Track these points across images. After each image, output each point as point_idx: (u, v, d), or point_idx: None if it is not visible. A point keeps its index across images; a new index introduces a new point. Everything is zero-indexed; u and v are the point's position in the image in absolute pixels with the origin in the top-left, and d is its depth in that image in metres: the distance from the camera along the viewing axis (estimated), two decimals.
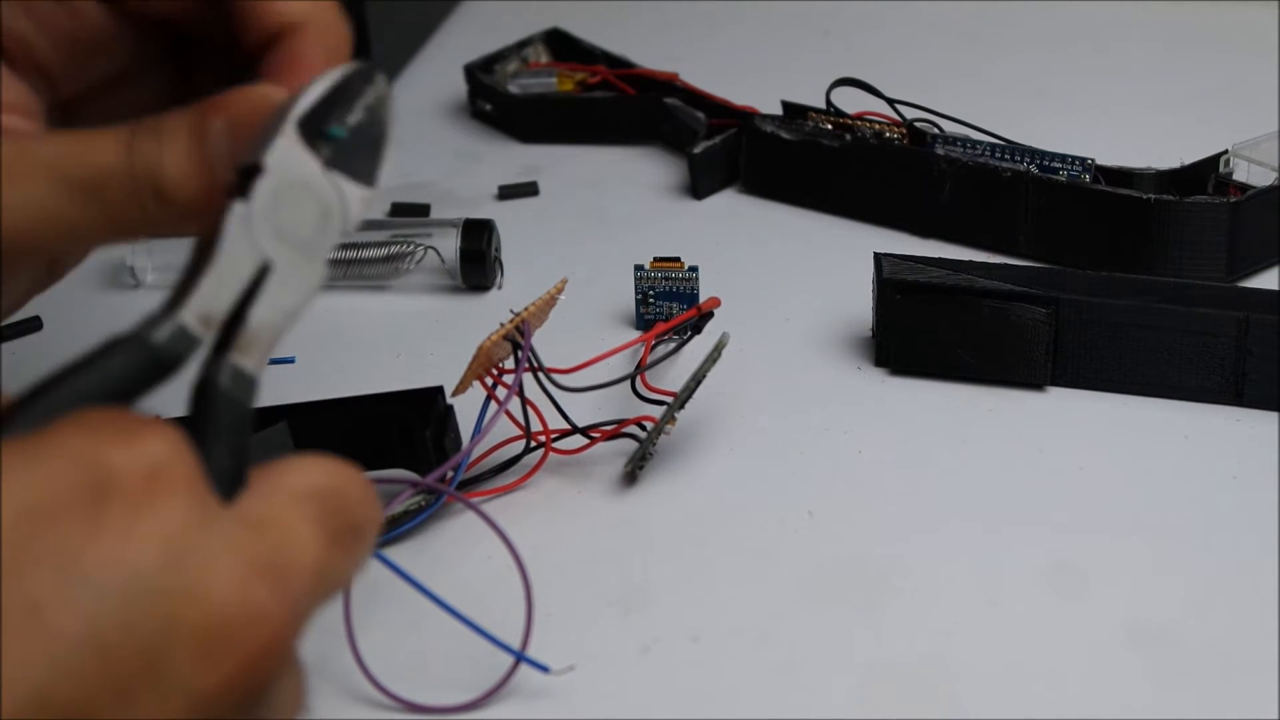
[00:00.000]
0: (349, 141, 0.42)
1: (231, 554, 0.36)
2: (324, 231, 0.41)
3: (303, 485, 0.39)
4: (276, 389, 0.61)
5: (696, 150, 0.79)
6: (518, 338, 0.58)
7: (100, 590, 0.33)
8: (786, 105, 0.79)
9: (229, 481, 0.38)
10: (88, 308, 0.73)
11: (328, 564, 0.38)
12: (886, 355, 0.66)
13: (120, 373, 0.38)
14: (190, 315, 0.39)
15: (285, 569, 0.37)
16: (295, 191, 0.41)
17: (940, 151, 0.75)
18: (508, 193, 0.81)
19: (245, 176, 0.40)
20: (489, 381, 0.58)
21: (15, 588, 0.33)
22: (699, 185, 0.80)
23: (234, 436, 0.39)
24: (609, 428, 0.61)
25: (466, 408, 0.59)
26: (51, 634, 0.33)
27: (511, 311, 0.58)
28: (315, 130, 0.41)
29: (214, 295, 0.40)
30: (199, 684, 0.34)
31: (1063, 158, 0.73)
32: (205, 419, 0.39)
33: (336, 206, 0.41)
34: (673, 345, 0.66)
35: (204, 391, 0.39)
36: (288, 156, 0.41)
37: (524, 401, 0.59)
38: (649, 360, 0.64)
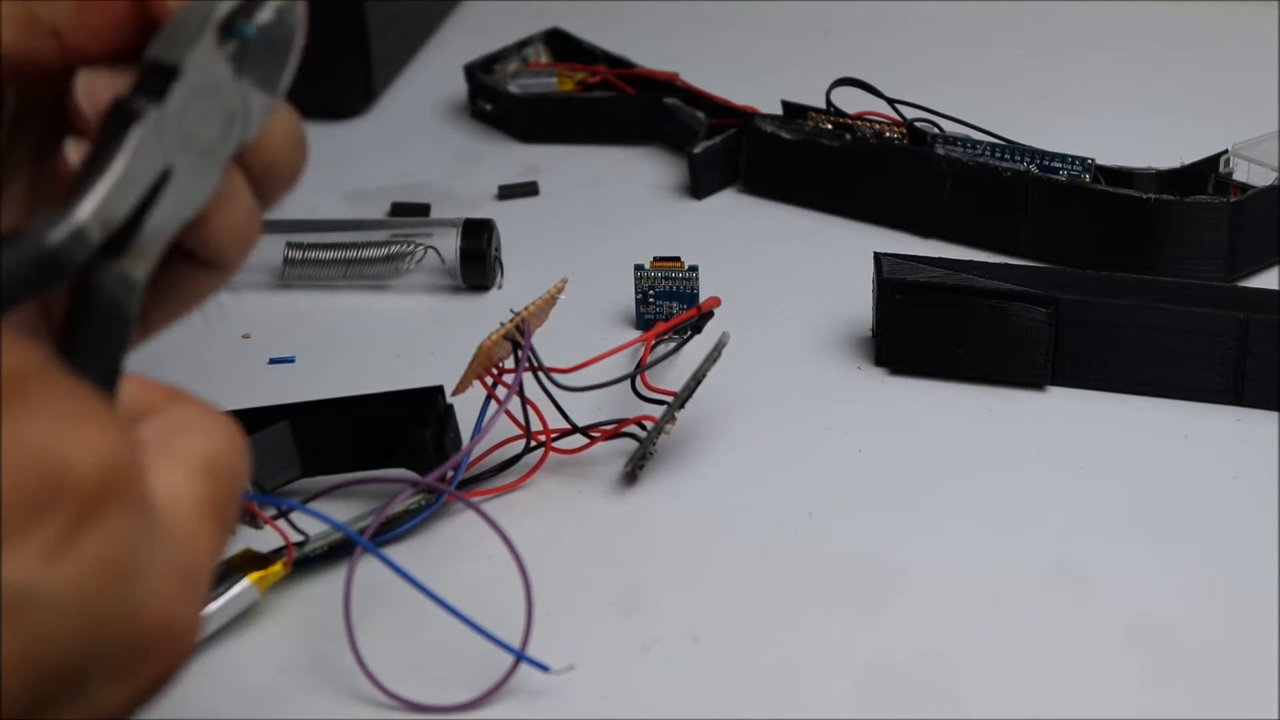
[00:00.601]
0: (257, 45, 0.40)
1: (164, 567, 0.34)
2: (226, 139, 0.40)
3: (196, 457, 0.36)
4: (276, 389, 0.62)
5: (696, 150, 0.79)
6: (518, 337, 0.58)
7: (44, 608, 0.31)
8: (786, 105, 0.79)
9: (99, 391, 0.36)
10: None
11: (218, 553, 0.36)
12: (886, 355, 0.66)
13: (10, 275, 0.36)
14: (88, 216, 0.37)
15: (197, 574, 0.35)
16: (206, 97, 0.39)
17: (940, 151, 0.75)
18: (508, 193, 0.81)
19: (160, 76, 0.39)
20: (489, 381, 0.58)
21: None
22: (699, 185, 0.80)
23: (114, 346, 0.38)
24: (609, 427, 0.61)
25: (466, 407, 0.59)
26: None
27: (511, 311, 0.58)
28: (227, 29, 0.40)
29: (116, 199, 0.38)
30: (109, 700, 0.33)
31: (1063, 158, 0.73)
32: (85, 324, 0.37)
33: (240, 114, 0.40)
34: (673, 345, 0.66)
35: (89, 296, 0.37)
36: (204, 60, 0.39)
37: (524, 401, 0.59)
38: (649, 360, 0.64)
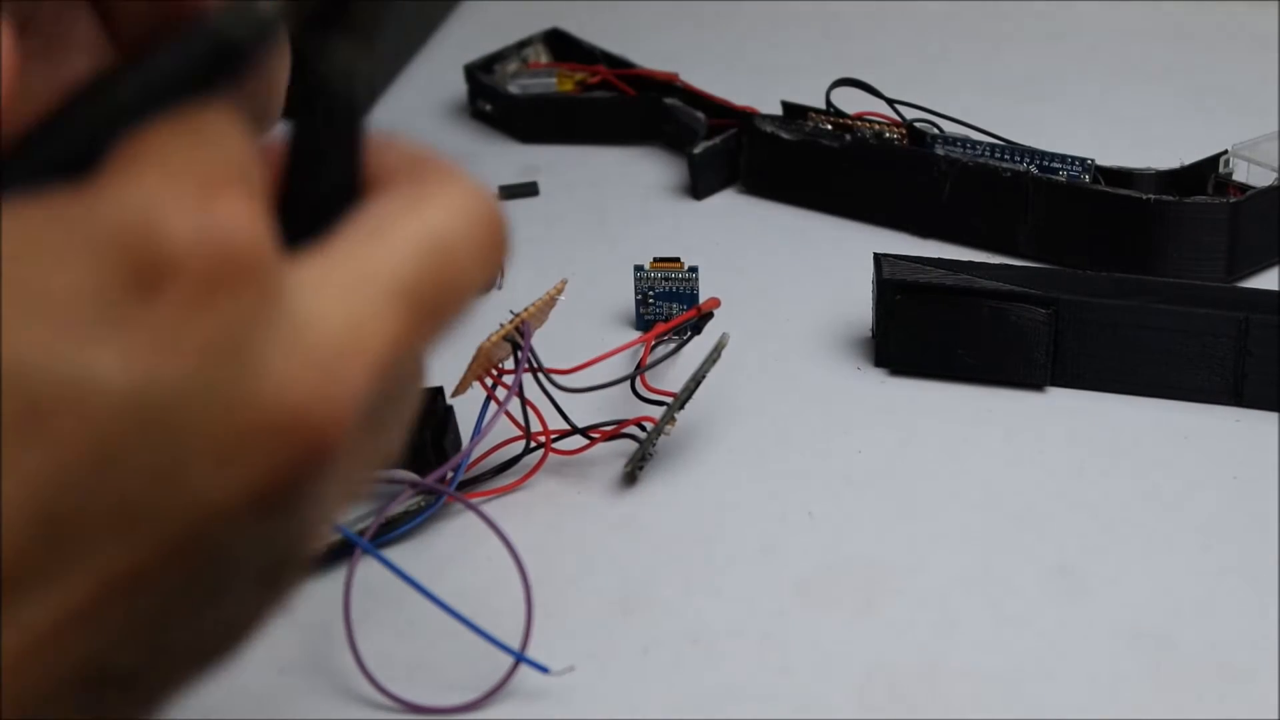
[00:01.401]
0: None
1: (284, 345, 0.30)
2: None
3: (406, 239, 0.32)
4: None
5: (696, 150, 0.79)
6: (517, 338, 0.58)
7: (109, 398, 0.28)
8: (786, 105, 0.79)
9: (337, 209, 0.32)
10: None
11: (402, 346, 0.32)
12: (886, 355, 0.66)
13: (180, 78, 0.30)
14: None
15: (343, 362, 0.30)
16: None
17: (940, 151, 0.75)
18: (508, 193, 0.81)
19: None
20: (489, 382, 0.58)
21: (17, 389, 0.28)
22: (699, 185, 0.80)
23: (347, 149, 0.32)
24: (609, 428, 0.61)
25: (466, 408, 0.59)
26: (50, 443, 0.28)
27: (511, 312, 0.58)
28: None
29: None
30: (213, 494, 0.30)
31: (1063, 158, 0.73)
32: (313, 131, 0.31)
33: None
34: (672, 346, 0.66)
35: (310, 96, 0.31)
36: None
37: (524, 402, 0.59)
38: (649, 361, 0.64)
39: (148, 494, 0.29)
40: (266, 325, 0.30)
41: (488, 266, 0.34)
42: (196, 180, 0.29)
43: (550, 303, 0.60)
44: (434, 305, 0.33)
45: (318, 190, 0.31)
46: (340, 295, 0.31)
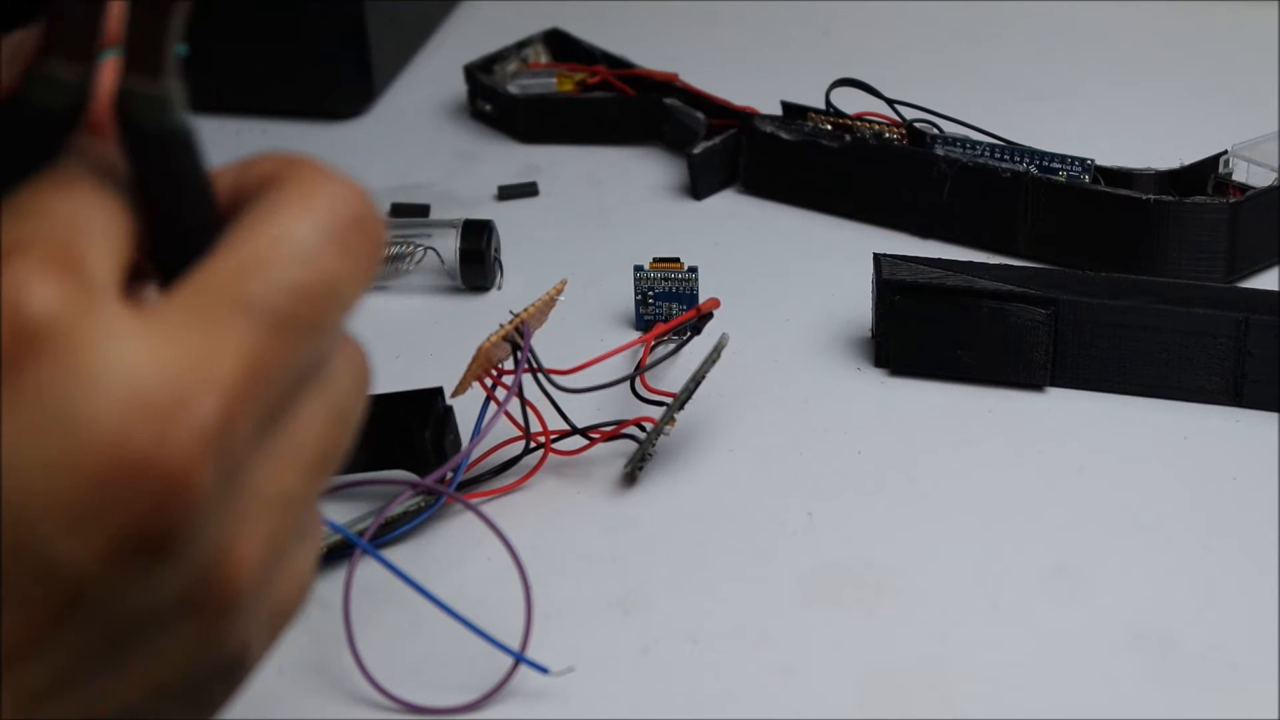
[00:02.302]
0: None
1: (112, 405, 0.29)
2: None
3: (251, 251, 0.32)
4: None
5: (696, 151, 0.79)
6: (517, 339, 0.58)
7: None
8: (786, 105, 0.79)
9: (198, 240, 0.32)
10: None
11: (267, 359, 0.31)
12: (886, 355, 0.66)
13: (9, 159, 0.31)
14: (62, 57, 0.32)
15: (180, 397, 0.30)
16: None
17: (940, 152, 0.75)
18: (508, 193, 0.81)
19: None
20: (488, 382, 0.58)
21: None
22: (699, 185, 0.80)
23: (188, 180, 0.32)
24: (608, 428, 0.61)
25: (466, 409, 0.59)
26: None
27: (511, 312, 0.58)
28: None
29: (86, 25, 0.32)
30: (76, 558, 0.30)
31: (1062, 158, 0.73)
32: (155, 170, 0.32)
33: None
34: (672, 346, 0.66)
35: (137, 139, 0.32)
36: None
37: (523, 402, 0.59)
38: (649, 361, 0.64)
39: (13, 569, 0.30)
40: (85, 384, 0.29)
41: (358, 261, 0.33)
42: (15, 247, 0.29)
43: (550, 303, 0.60)
44: (295, 314, 0.32)
45: (173, 228, 0.32)
46: (178, 333, 0.31)
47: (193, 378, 0.30)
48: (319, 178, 0.33)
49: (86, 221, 0.31)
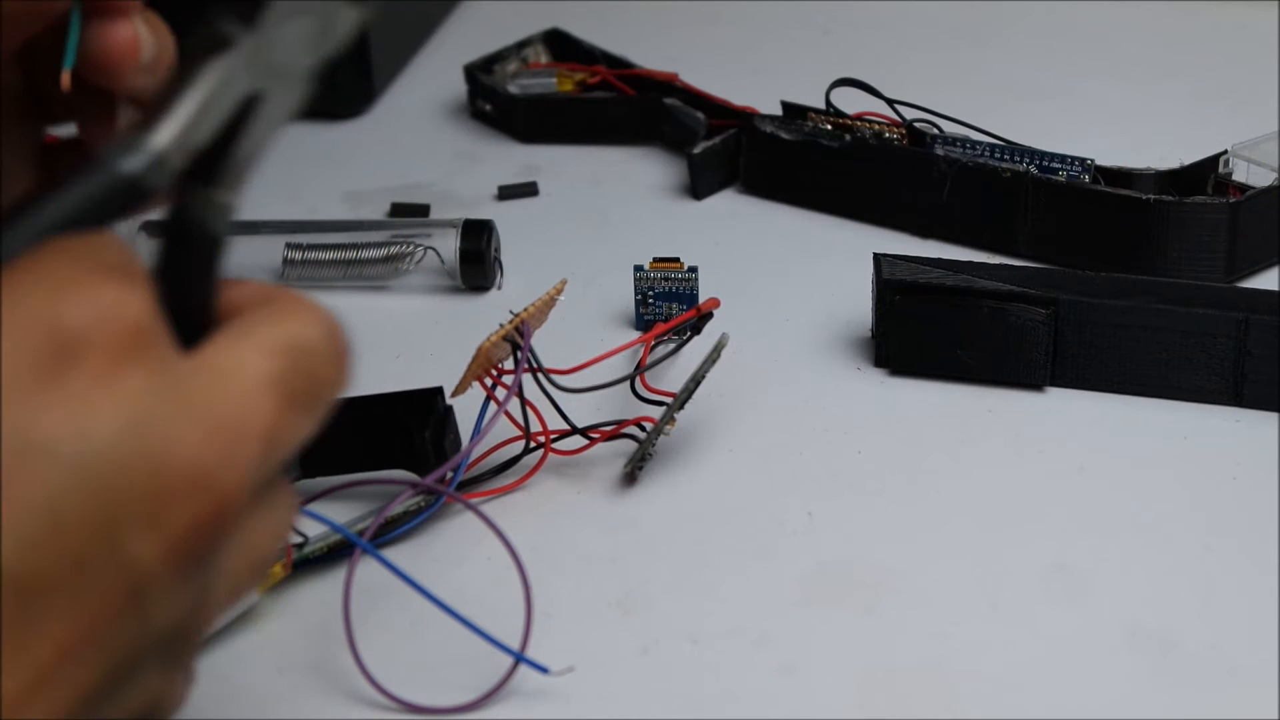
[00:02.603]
0: None
1: (188, 416, 0.34)
2: (315, 52, 0.38)
3: (273, 340, 0.37)
4: None
5: (696, 150, 0.79)
6: (517, 338, 0.58)
7: (56, 459, 0.32)
8: (786, 105, 0.79)
9: (199, 322, 0.37)
10: None
11: (281, 429, 0.36)
12: (886, 355, 0.66)
13: (85, 206, 0.35)
14: (168, 141, 0.36)
15: (242, 433, 0.35)
16: (296, 17, 0.38)
17: (940, 151, 0.75)
18: (508, 193, 0.81)
19: (248, 2, 0.37)
20: (488, 382, 0.58)
21: None
22: (699, 185, 0.80)
23: (208, 272, 0.37)
24: (608, 428, 0.61)
25: (466, 408, 0.59)
26: (8, 505, 0.32)
27: (511, 312, 0.58)
28: None
29: (201, 122, 0.37)
30: (142, 553, 0.33)
31: (1062, 158, 0.73)
32: (184, 256, 0.37)
33: (329, 27, 0.39)
34: (672, 346, 0.66)
35: (183, 228, 0.37)
36: None
37: (523, 402, 0.59)
38: (648, 361, 0.64)
39: (93, 552, 0.33)
40: (171, 394, 0.34)
41: (341, 369, 0.39)
42: (94, 271, 0.34)
43: (550, 303, 0.60)
44: (303, 396, 0.37)
45: (185, 306, 0.36)
46: (223, 380, 0.36)
47: (242, 418, 0.35)
48: (310, 302, 0.39)
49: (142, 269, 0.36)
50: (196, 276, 0.37)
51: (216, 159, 0.37)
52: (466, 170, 0.84)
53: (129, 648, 0.34)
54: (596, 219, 0.79)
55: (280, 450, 0.37)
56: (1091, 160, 0.73)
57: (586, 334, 0.69)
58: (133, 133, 0.36)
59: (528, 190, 0.81)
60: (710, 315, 0.65)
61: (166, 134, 0.36)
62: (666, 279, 0.69)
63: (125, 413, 0.33)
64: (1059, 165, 0.73)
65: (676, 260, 0.69)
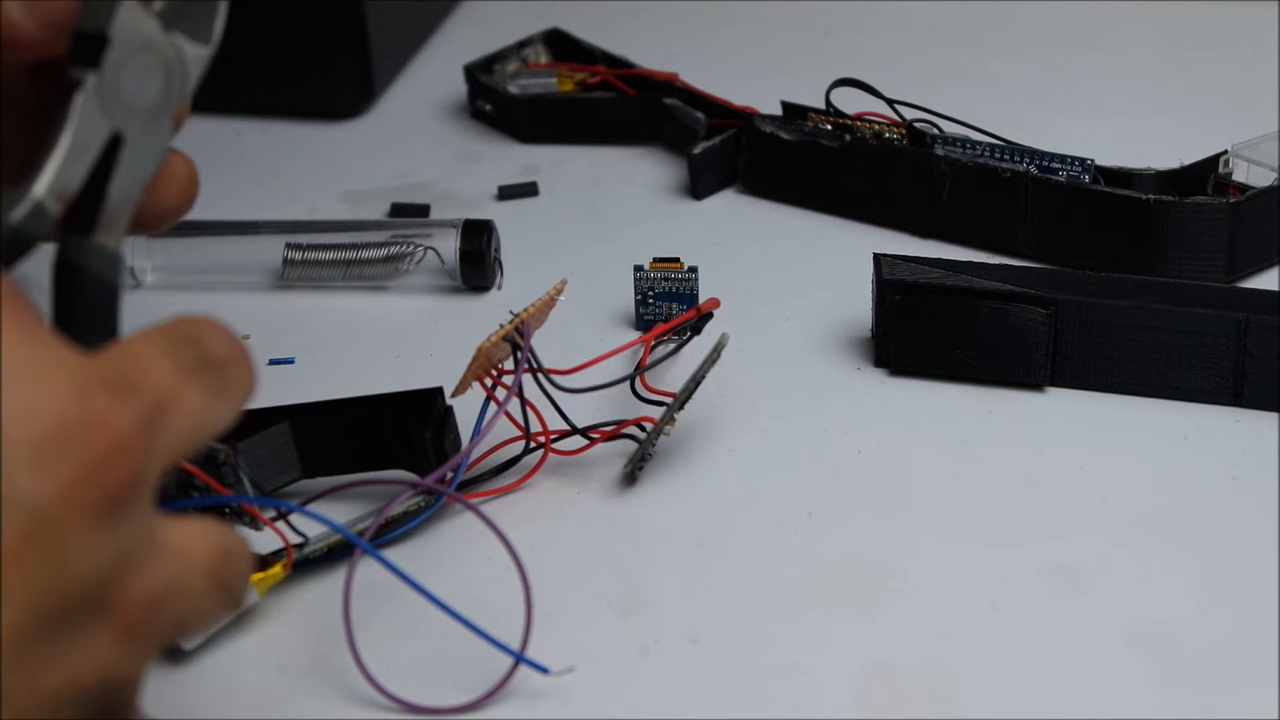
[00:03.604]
0: None
1: (64, 369, 0.35)
2: (168, 94, 0.41)
3: (160, 329, 0.38)
4: (276, 389, 0.62)
5: (696, 151, 0.79)
6: (517, 339, 0.58)
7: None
8: (786, 105, 0.79)
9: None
10: None
11: (183, 394, 0.37)
12: (886, 355, 0.66)
13: None
14: (44, 191, 0.38)
15: (132, 384, 0.36)
16: (140, 57, 0.40)
17: (940, 152, 0.75)
18: (508, 193, 0.81)
19: (91, 45, 0.40)
20: (488, 383, 0.58)
21: None
22: (699, 185, 0.80)
23: (108, 318, 0.39)
24: (608, 428, 0.61)
25: (466, 409, 0.59)
26: None
27: (511, 312, 0.58)
28: None
29: (68, 170, 0.39)
30: (38, 493, 0.34)
31: (1062, 158, 0.73)
32: (74, 303, 0.39)
33: (178, 68, 0.41)
34: (672, 346, 0.66)
35: (73, 276, 0.39)
36: (130, 21, 0.40)
37: (523, 402, 0.59)
38: (649, 361, 0.64)
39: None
40: (44, 350, 0.36)
41: (237, 348, 0.40)
42: None
43: (550, 303, 0.60)
44: (201, 369, 0.39)
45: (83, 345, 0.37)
46: (112, 349, 0.37)
47: (137, 371, 0.37)
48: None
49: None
50: (94, 321, 0.39)
51: (91, 204, 0.39)
52: (466, 170, 0.84)
53: (49, 591, 0.34)
54: (596, 219, 0.79)
55: (189, 422, 0.38)
56: (1091, 160, 0.73)
57: (586, 334, 0.69)
58: (12, 186, 0.39)
59: (528, 190, 0.81)
60: (710, 315, 0.65)
61: (43, 181, 0.39)
62: (666, 279, 0.69)
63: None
64: (1059, 165, 0.73)
65: (676, 260, 0.69)
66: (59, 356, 0.35)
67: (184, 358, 0.38)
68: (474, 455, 0.58)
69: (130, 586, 0.37)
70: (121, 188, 0.40)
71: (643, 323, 0.69)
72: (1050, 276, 0.65)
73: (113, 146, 0.40)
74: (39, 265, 0.41)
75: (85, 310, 0.39)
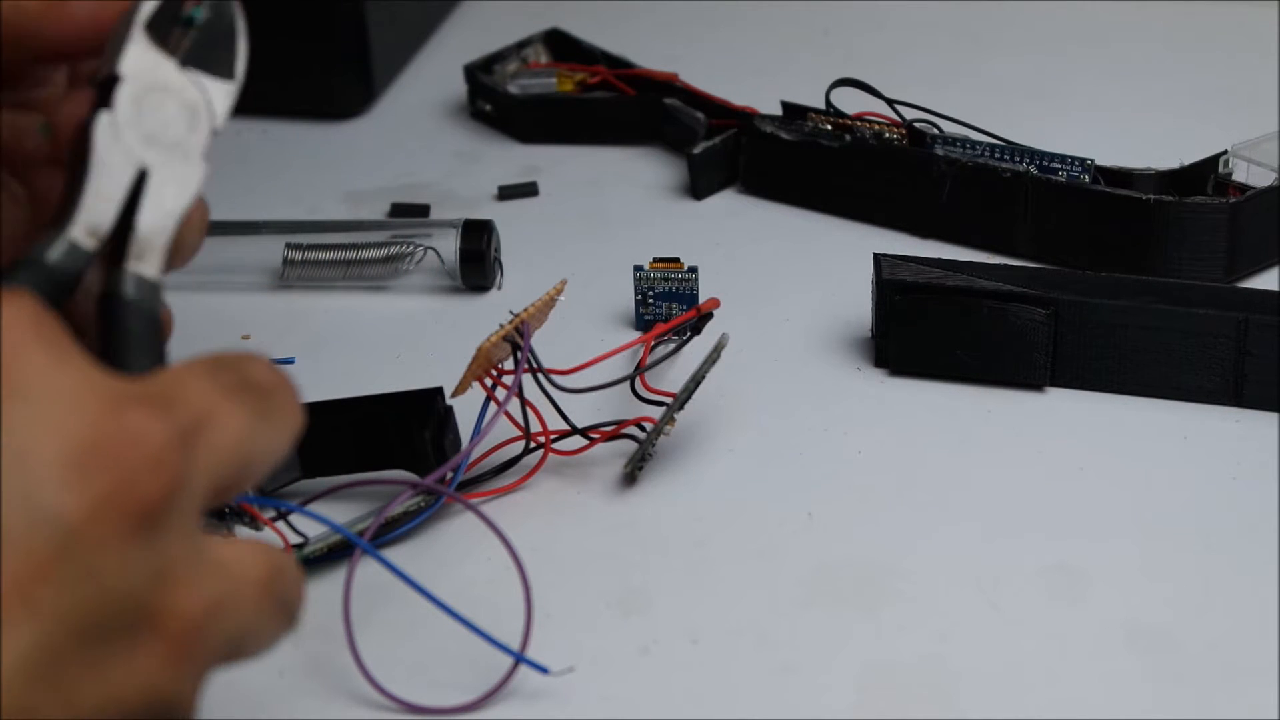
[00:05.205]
0: (200, 36, 0.43)
1: (95, 389, 0.35)
2: (194, 129, 0.43)
3: (201, 361, 0.38)
4: None
5: (696, 150, 0.79)
6: (517, 339, 0.58)
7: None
8: (786, 105, 0.79)
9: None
10: None
11: (222, 412, 0.37)
12: (886, 355, 0.66)
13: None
14: (78, 230, 0.40)
15: (167, 400, 0.36)
16: (156, 94, 0.42)
17: (940, 152, 0.75)
18: (508, 193, 0.81)
19: (105, 88, 0.42)
20: (488, 383, 0.58)
21: None
22: (699, 185, 0.80)
23: (150, 345, 0.40)
24: (608, 429, 0.61)
25: (466, 409, 0.59)
26: None
27: (511, 312, 0.58)
28: (165, 29, 0.43)
29: (97, 207, 0.41)
30: (67, 510, 0.33)
31: (1062, 158, 0.73)
32: (117, 332, 0.40)
33: (202, 103, 0.43)
34: (672, 346, 0.66)
35: (110, 305, 0.40)
36: (142, 61, 0.42)
37: (523, 402, 0.59)
38: (648, 361, 0.64)
39: (9, 514, 0.33)
40: (73, 370, 0.36)
41: (282, 378, 0.40)
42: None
43: (550, 303, 0.60)
44: (246, 395, 0.38)
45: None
46: (154, 376, 0.37)
47: (169, 394, 0.36)
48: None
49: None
50: (129, 346, 0.40)
51: (125, 235, 0.41)
52: (466, 170, 0.84)
53: (82, 608, 0.34)
54: (596, 219, 0.79)
55: (234, 447, 0.37)
56: (1091, 160, 0.73)
57: (586, 334, 0.69)
58: (50, 228, 0.40)
59: (528, 190, 0.81)
60: (710, 315, 0.65)
61: (74, 220, 0.40)
62: (666, 279, 0.69)
63: (11, 386, 0.34)
64: (1059, 165, 0.73)
65: (676, 260, 0.69)
66: (89, 376, 0.35)
67: (223, 379, 0.38)
68: (474, 455, 0.58)
69: (176, 602, 0.36)
70: (151, 219, 0.41)
71: (643, 323, 0.69)
72: (1050, 276, 0.65)
73: (140, 181, 0.41)
74: None
75: (126, 338, 0.40)
